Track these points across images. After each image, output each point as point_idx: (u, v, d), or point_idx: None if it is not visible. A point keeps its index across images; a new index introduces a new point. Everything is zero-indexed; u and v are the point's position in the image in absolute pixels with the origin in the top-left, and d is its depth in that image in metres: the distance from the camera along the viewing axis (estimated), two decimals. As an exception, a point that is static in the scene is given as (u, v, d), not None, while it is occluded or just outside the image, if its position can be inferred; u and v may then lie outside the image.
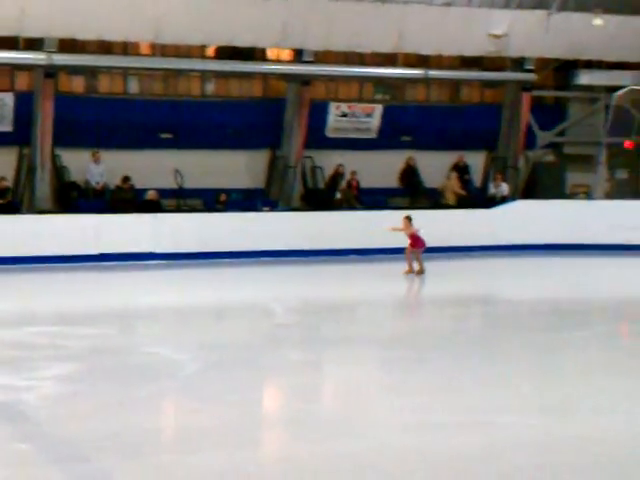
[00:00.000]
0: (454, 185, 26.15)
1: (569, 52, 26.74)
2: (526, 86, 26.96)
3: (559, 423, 8.94)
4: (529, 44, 26.18)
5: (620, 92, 24.93)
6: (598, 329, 14.69)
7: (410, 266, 19.90)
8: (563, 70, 27.95)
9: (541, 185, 27.36)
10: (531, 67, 26.80)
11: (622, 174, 28.88)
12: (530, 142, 27.79)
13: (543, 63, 27.45)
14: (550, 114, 28.42)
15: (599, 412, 9.37)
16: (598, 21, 25.59)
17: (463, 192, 26.01)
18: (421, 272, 19.87)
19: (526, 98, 27.07)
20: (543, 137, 28.08)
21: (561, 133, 28.62)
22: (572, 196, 27.60)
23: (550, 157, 28.77)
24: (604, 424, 8.93)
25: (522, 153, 27.66)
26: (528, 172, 27.97)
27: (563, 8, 25.86)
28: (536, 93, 27.60)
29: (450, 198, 26.00)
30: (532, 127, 27.65)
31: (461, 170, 26.88)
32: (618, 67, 27.53)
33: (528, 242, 23.22)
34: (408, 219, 20.35)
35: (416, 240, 20.11)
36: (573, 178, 28.13)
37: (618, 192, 27.78)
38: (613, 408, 9.52)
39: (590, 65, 27.60)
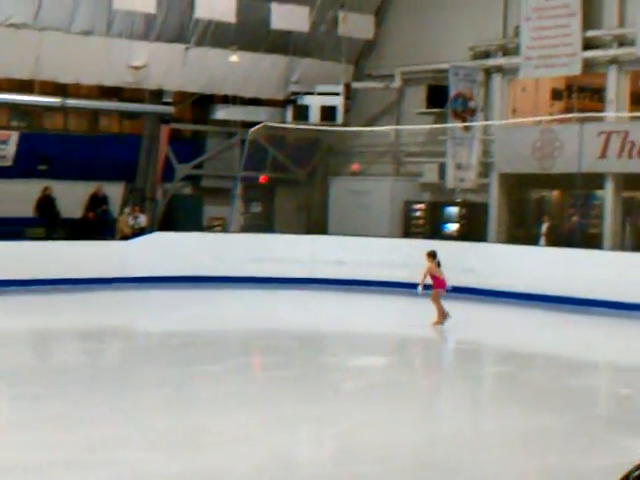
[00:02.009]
0: (123, 223, 25.66)
1: (206, 86, 27.27)
2: (165, 119, 27.18)
3: (188, 456, 8.98)
4: (168, 77, 26.44)
5: (255, 128, 25.65)
6: (231, 362, 14.92)
7: (441, 312, 17.52)
8: (201, 104, 28.43)
9: (179, 217, 27.65)
10: (170, 100, 27.07)
11: (256, 207, 29.75)
12: (168, 174, 28.05)
13: (182, 96, 27.82)
14: (188, 147, 28.84)
15: (228, 443, 9.52)
16: (234, 57, 26.27)
17: (129, 231, 25.35)
18: (443, 318, 17.50)
19: (164, 130, 27.30)
20: (181, 170, 28.43)
21: (199, 166, 29.08)
22: (209, 229, 28.06)
23: (188, 190, 29.16)
24: (232, 454, 9.08)
25: (160, 185, 27.84)
26: (166, 204, 28.19)
27: (201, 43, 26.34)
28: (175, 126, 27.91)
29: (120, 234, 25.48)
30: (170, 159, 27.91)
31: (99, 201, 26.62)
32: (253, 103, 28.38)
33: (165, 274, 23.29)
34: (431, 255, 17.66)
35: (437, 280, 17.61)
36: (210, 211, 28.64)
37: (252, 225, 28.58)
38: (245, 438, 9.70)
39: (227, 100, 28.26)
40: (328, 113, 27.66)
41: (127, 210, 26.08)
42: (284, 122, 27.88)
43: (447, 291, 17.72)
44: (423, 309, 21.58)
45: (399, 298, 22.83)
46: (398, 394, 12.43)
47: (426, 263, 17.61)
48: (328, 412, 11.13)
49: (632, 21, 23.53)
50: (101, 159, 26.80)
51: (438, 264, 17.64)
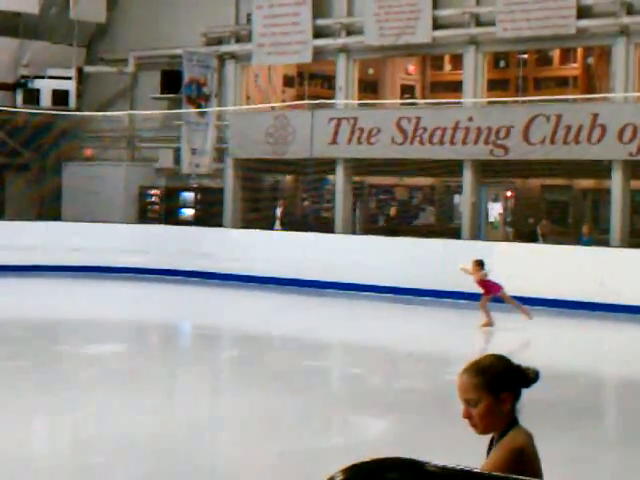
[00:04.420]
0: None
1: None
2: None
3: None
4: None
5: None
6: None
7: (488, 317, 16.63)
8: None
9: None
10: None
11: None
12: None
13: None
14: None
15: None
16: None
17: None
18: (489, 324, 16.68)
19: None
20: None
21: None
22: None
23: None
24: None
25: None
26: None
27: None
28: None
29: None
30: None
31: None
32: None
33: None
34: (478, 264, 16.78)
35: (487, 286, 16.75)
36: None
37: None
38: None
39: (-48, 83, 27.17)
40: (60, 97, 27.07)
41: None
42: (14, 106, 27.08)
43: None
44: (160, 295, 21.64)
45: (135, 284, 22.72)
46: (136, 381, 12.40)
47: (472, 271, 16.86)
48: (63, 402, 10.97)
49: (360, 10, 24.24)
50: None
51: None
